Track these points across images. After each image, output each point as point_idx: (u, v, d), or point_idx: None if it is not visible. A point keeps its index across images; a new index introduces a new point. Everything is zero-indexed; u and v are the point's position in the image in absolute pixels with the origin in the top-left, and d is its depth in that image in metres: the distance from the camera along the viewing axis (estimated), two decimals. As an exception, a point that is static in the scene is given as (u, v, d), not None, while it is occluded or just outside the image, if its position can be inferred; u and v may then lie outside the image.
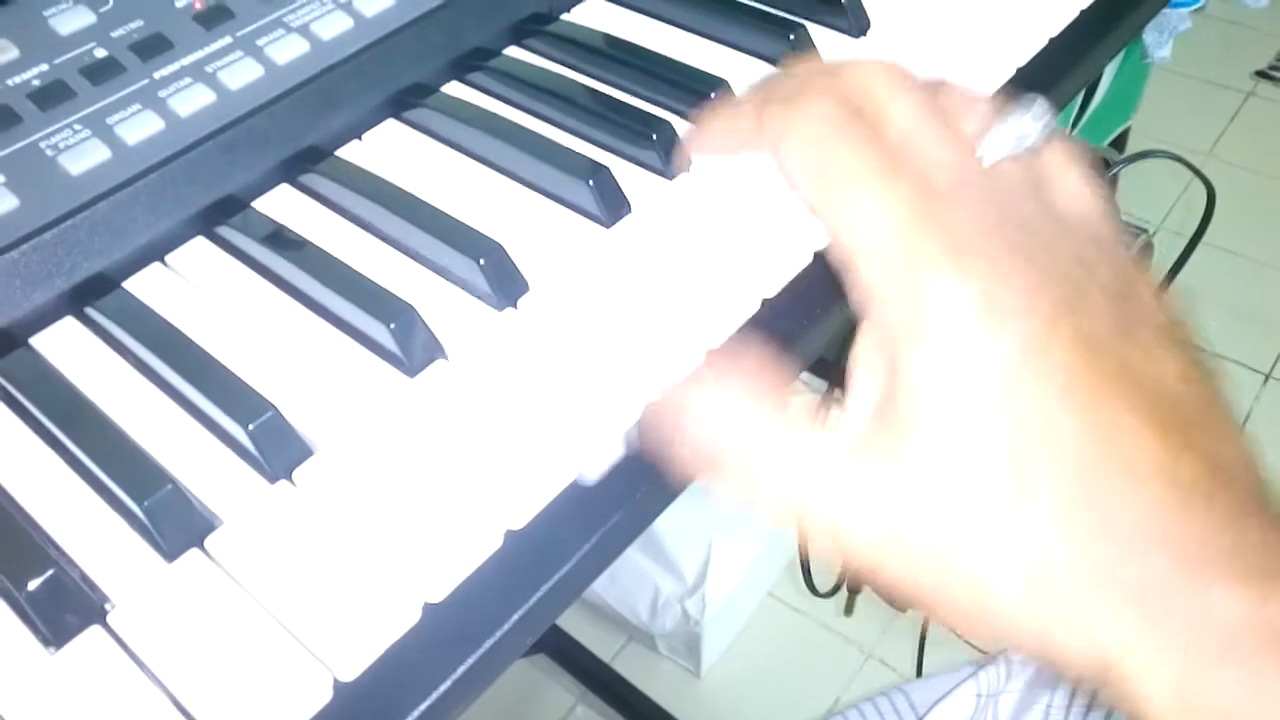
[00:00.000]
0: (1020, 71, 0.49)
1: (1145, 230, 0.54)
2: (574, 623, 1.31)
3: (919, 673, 1.10)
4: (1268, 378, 1.65)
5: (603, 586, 1.29)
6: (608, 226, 0.42)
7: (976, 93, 0.35)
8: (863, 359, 0.31)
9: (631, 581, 1.27)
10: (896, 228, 0.30)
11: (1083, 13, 0.52)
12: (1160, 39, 1.41)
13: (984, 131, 0.33)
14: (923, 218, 0.30)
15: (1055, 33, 0.51)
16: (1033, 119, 0.33)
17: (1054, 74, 0.50)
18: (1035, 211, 0.32)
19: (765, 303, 0.39)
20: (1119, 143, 1.76)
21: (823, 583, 1.04)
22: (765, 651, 1.36)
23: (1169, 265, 0.83)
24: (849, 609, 1.07)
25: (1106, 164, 0.61)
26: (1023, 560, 0.28)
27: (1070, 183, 0.33)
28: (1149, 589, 0.27)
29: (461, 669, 0.32)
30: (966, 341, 0.28)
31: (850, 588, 1.00)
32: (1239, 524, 0.27)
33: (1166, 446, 0.28)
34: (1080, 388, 0.28)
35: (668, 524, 1.20)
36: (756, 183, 0.39)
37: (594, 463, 0.35)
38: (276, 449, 0.35)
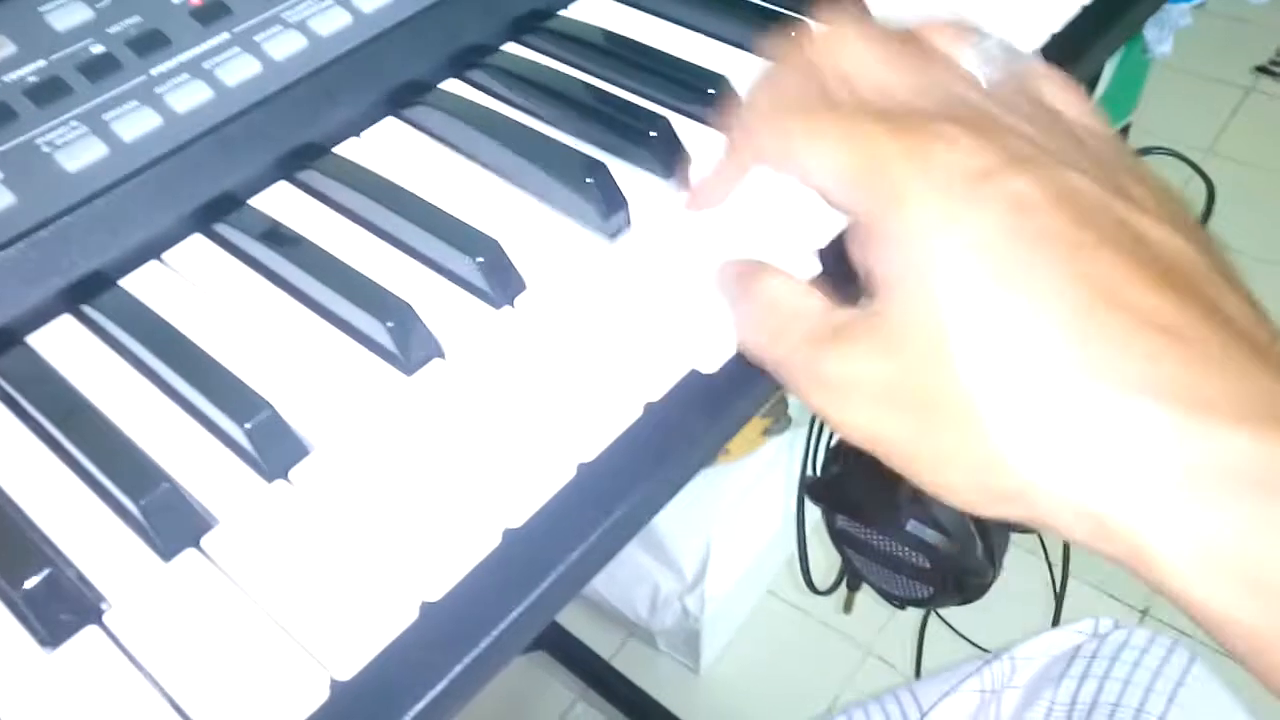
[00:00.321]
0: (1021, 68, 0.49)
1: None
2: (574, 620, 1.31)
3: (918, 670, 1.10)
4: (1268, 374, 1.65)
5: (602, 584, 1.29)
6: (605, 223, 0.42)
7: (955, 23, 0.35)
8: (856, 252, 0.31)
9: (631, 579, 1.27)
10: (853, 138, 0.30)
11: (1084, 9, 0.52)
12: (1161, 34, 1.41)
13: (971, 53, 0.34)
14: (881, 121, 0.30)
15: (1057, 29, 0.50)
16: (1004, 40, 0.34)
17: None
18: (1022, 104, 0.32)
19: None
20: (1119, 139, 1.76)
21: (822, 580, 1.04)
22: (764, 649, 1.36)
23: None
24: (848, 606, 1.06)
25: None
26: (1021, 412, 0.27)
27: (1054, 87, 0.34)
28: (1150, 434, 0.26)
29: (459, 668, 0.32)
30: (946, 209, 0.28)
31: (849, 585, 1.00)
32: (1241, 369, 0.27)
33: (1164, 295, 0.27)
34: (1072, 242, 0.28)
35: (667, 521, 1.20)
36: (758, 180, 0.39)
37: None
38: (274, 448, 0.34)
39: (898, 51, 0.34)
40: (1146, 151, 0.66)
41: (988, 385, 0.27)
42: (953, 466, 0.29)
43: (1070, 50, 0.51)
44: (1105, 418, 0.26)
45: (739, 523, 1.24)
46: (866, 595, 0.98)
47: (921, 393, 0.28)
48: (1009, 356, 0.27)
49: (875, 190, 0.30)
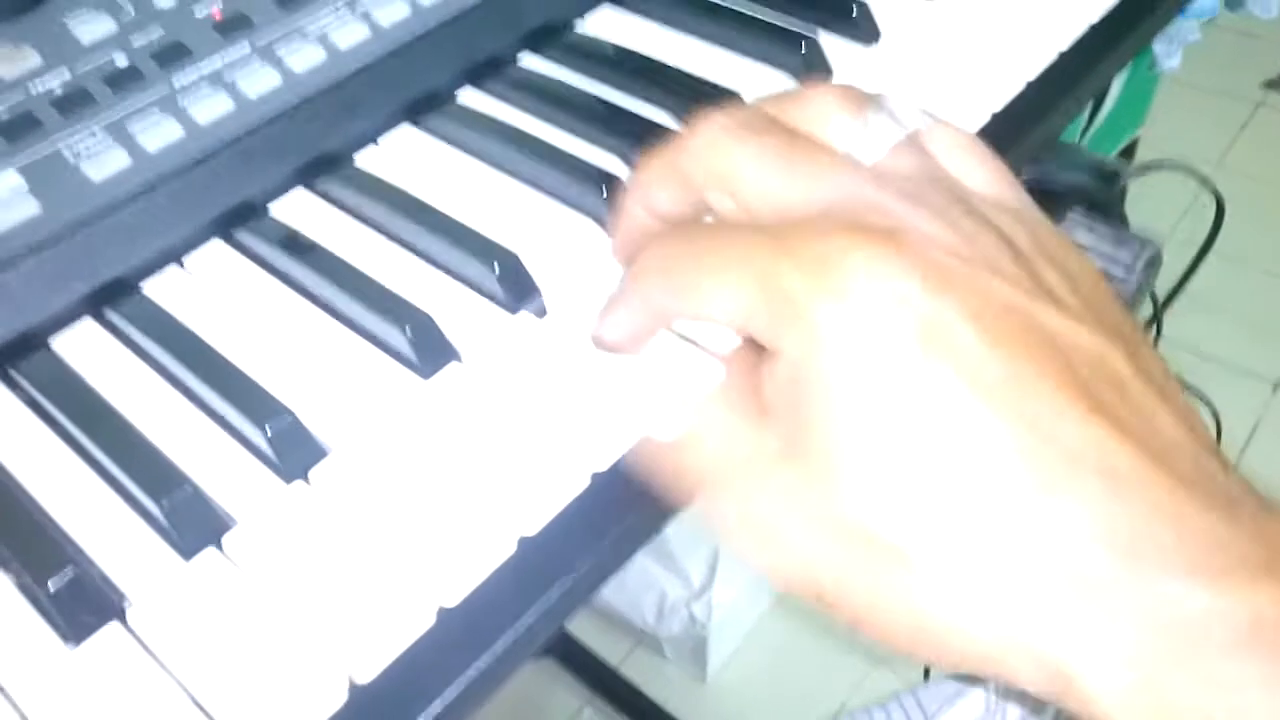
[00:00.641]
0: (1030, 84, 0.50)
1: (1154, 242, 0.54)
2: (581, 627, 1.32)
3: (926, 680, 1.10)
4: (1277, 387, 1.65)
5: (610, 590, 1.29)
6: (620, 234, 0.42)
7: (845, 89, 0.32)
8: (769, 390, 0.29)
9: (638, 586, 1.27)
10: (756, 276, 0.28)
11: (1091, 27, 0.52)
12: (1169, 49, 1.41)
13: (851, 132, 0.31)
14: (781, 250, 0.28)
15: (1065, 46, 0.51)
16: (899, 108, 0.31)
17: (1064, 86, 0.51)
18: (926, 192, 0.29)
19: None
20: (1128, 153, 1.76)
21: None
22: (771, 656, 1.36)
23: (1179, 275, 0.84)
24: (855, 615, 1.07)
25: (1116, 175, 0.61)
26: (956, 572, 0.26)
27: (968, 160, 0.31)
28: (1087, 589, 0.25)
29: (473, 671, 0.32)
30: (856, 351, 0.26)
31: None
32: (1180, 511, 0.25)
33: (1095, 426, 0.25)
34: (989, 371, 0.26)
35: (675, 528, 1.21)
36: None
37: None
38: (293, 451, 0.35)
39: (775, 146, 0.30)
40: (1157, 165, 0.66)
41: (924, 528, 0.26)
42: (888, 610, 0.27)
43: (1079, 66, 0.51)
44: (1048, 565, 0.25)
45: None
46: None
47: (855, 534, 0.27)
48: (945, 503, 0.26)
49: (785, 330, 0.28)
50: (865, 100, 0.31)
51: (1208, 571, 0.24)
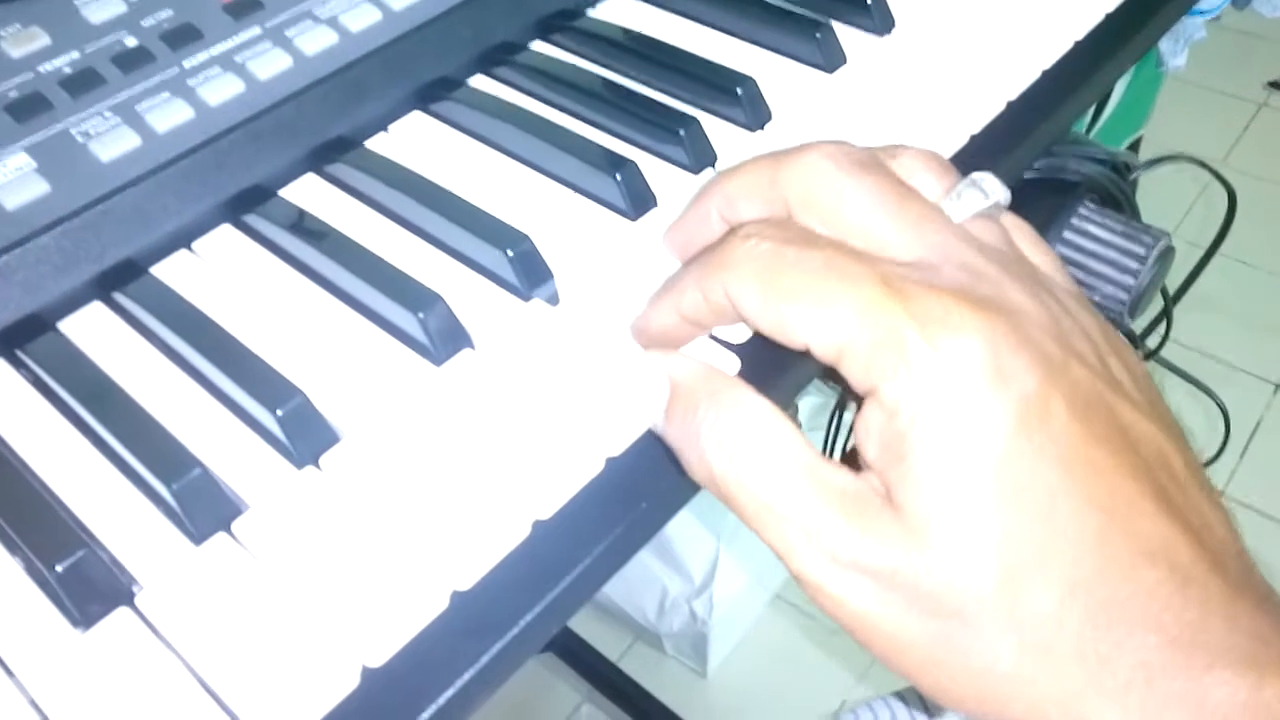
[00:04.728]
0: (1045, 74, 0.49)
1: (1167, 234, 0.54)
2: (581, 622, 1.31)
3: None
4: (1278, 388, 1.65)
5: (611, 586, 1.29)
6: (633, 220, 0.42)
7: (933, 154, 0.33)
8: (862, 434, 0.29)
9: (639, 582, 1.27)
10: (865, 312, 0.28)
11: (1108, 16, 0.52)
12: (1175, 47, 1.41)
13: (949, 192, 0.32)
14: (895, 293, 0.28)
15: (1081, 35, 0.51)
16: (997, 181, 0.32)
17: (1079, 76, 0.50)
18: (1015, 266, 0.30)
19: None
20: (1131, 152, 1.76)
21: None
22: (772, 653, 1.36)
23: (1184, 275, 0.83)
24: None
25: (1129, 167, 0.61)
26: (1018, 647, 0.27)
27: (1030, 240, 0.33)
28: (1144, 675, 0.26)
29: (487, 657, 0.32)
30: (962, 415, 0.27)
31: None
32: (1232, 607, 0.27)
33: (1165, 522, 0.27)
34: (1079, 458, 0.27)
35: (676, 525, 1.21)
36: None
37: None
38: (304, 435, 0.35)
39: (885, 186, 0.31)
40: (1168, 159, 0.66)
41: (1000, 611, 0.27)
42: (957, 672, 0.28)
43: (1094, 57, 0.51)
44: (1112, 651, 0.26)
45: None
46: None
47: (940, 597, 0.27)
48: (1020, 587, 0.27)
49: (889, 374, 0.28)
50: (951, 168, 0.33)
51: (1254, 667, 0.26)
